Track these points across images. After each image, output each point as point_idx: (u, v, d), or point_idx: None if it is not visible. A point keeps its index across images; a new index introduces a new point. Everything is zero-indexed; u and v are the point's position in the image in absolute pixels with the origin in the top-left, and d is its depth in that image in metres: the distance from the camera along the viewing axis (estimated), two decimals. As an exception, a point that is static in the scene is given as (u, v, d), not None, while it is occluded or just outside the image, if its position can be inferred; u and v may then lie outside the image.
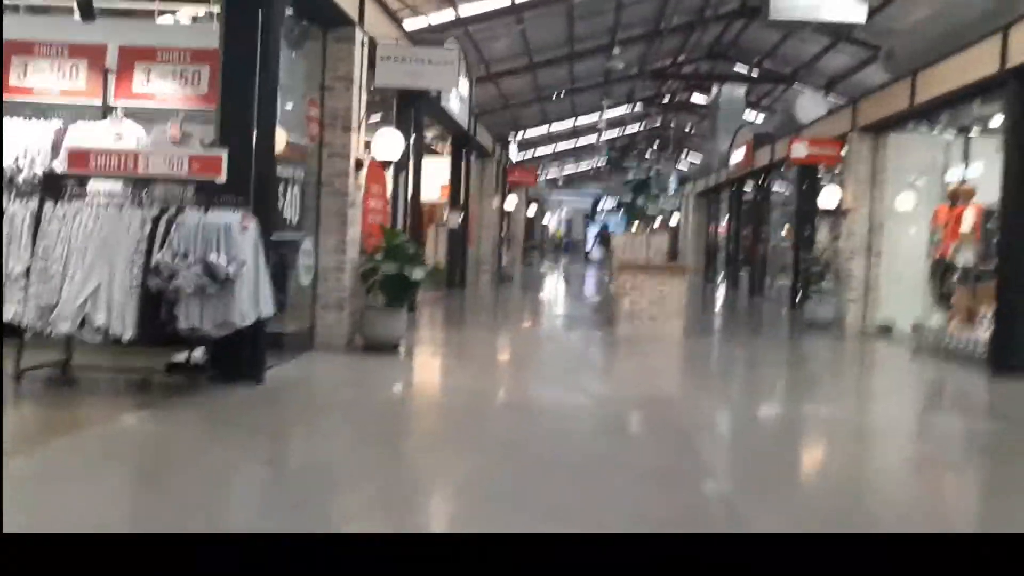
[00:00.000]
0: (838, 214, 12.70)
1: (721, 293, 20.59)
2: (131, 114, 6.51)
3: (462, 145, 15.81)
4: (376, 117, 13.55)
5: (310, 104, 7.17)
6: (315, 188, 7.30)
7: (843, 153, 12.48)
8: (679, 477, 4.31)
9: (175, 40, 6.62)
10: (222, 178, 5.52)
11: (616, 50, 17.56)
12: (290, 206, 6.77)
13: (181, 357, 5.74)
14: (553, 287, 20.97)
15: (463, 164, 15.93)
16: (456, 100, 12.41)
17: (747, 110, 25.66)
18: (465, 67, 12.84)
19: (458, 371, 7.48)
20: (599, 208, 43.53)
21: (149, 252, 5.41)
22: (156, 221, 5.50)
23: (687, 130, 36.57)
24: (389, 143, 7.59)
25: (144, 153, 5.83)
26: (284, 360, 6.65)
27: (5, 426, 3.80)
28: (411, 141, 10.91)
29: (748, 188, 20.58)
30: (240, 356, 5.62)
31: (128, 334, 5.27)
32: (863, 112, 11.89)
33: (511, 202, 23.84)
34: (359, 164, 7.53)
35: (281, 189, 6.57)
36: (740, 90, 24.53)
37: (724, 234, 23.86)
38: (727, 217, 23.44)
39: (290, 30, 7.12)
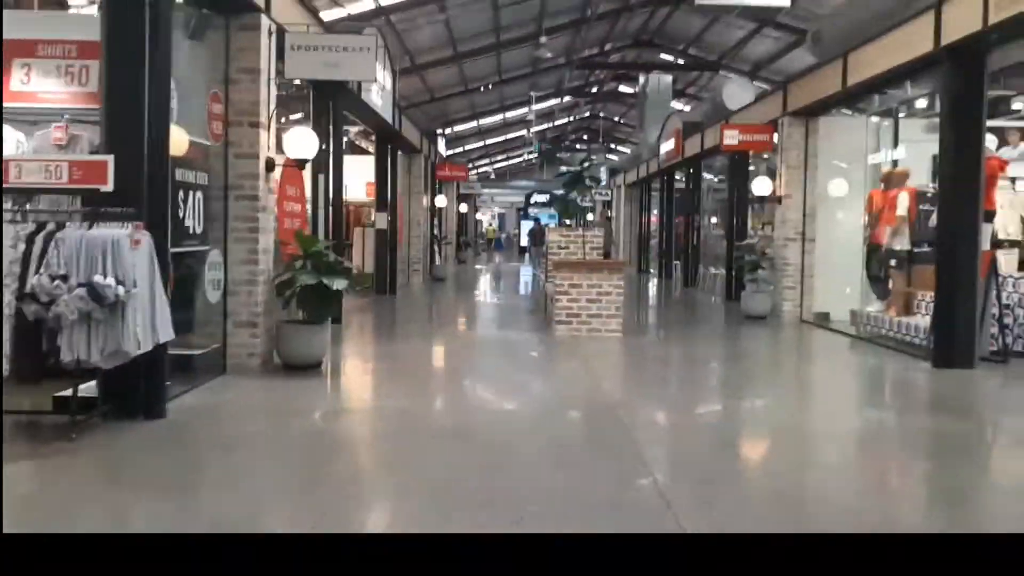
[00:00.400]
0: (771, 201, 12.56)
1: (655, 285, 20.45)
2: (9, 117, 5.77)
3: (388, 141, 15.18)
4: (298, 115, 12.85)
5: (212, 99, 6.50)
6: (221, 193, 6.64)
7: (774, 139, 12.33)
8: (634, 507, 3.88)
9: (59, 32, 5.88)
10: (109, 186, 4.86)
11: (543, 39, 17.17)
12: (192, 214, 6.11)
13: (72, 392, 5.05)
14: (487, 287, 20.44)
15: (389, 161, 15.29)
16: (378, 93, 11.79)
17: (674, 99, 25.71)
18: (387, 57, 12.23)
19: (388, 390, 6.87)
20: (531, 202, 43.27)
21: (24, 275, 4.73)
22: (31, 239, 4.82)
23: (616, 121, 36.62)
24: (303, 141, 6.97)
25: (16, 160, 5.12)
26: (192, 387, 6.01)
27: None
28: (330, 138, 10.29)
29: (679, 177, 20.47)
30: (137, 389, 4.97)
31: (3, 369, 4.60)
32: (793, 96, 11.74)
33: (441, 200, 23.27)
34: (270, 165, 6.89)
35: (181, 196, 5.91)
36: (667, 78, 24.47)
37: (656, 224, 23.75)
38: (658, 208, 23.34)
39: (187, 18, 6.44)
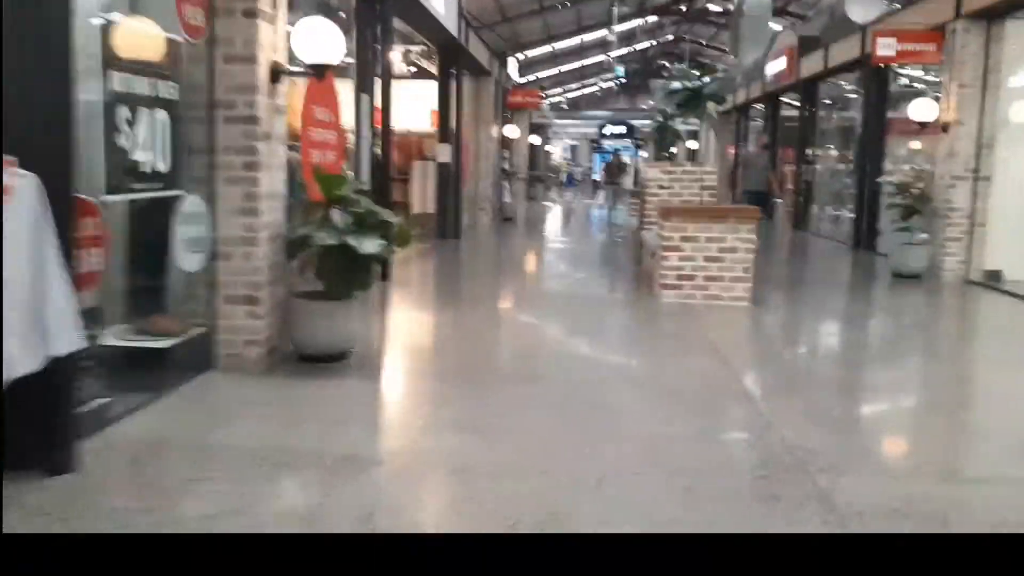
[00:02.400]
0: (929, 129, 9.94)
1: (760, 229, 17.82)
2: None
3: (452, 62, 12.93)
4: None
5: (187, -24, 4.40)
6: (203, 114, 4.62)
7: (942, 49, 9.62)
8: None
9: None
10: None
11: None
12: (150, 144, 4.11)
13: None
14: (564, 230, 18.01)
15: (454, 85, 13.07)
16: (438, -3, 9.55)
17: (775, 17, 22.62)
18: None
19: (448, 406, 4.57)
20: (605, 134, 40.42)
21: None
22: None
23: (704, 44, 33.29)
24: (319, 37, 4.83)
25: None
26: (154, 396, 4.10)
27: None
28: (378, 48, 8.15)
29: (789, 103, 17.69)
30: (28, 430, 3.05)
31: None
32: (973, -7, 9.01)
33: (513, 130, 20.96)
34: (276, 72, 4.81)
35: (126, 115, 3.90)
36: (767, -7, 21.43)
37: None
38: (759, 139, 20.52)
39: None
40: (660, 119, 10.34)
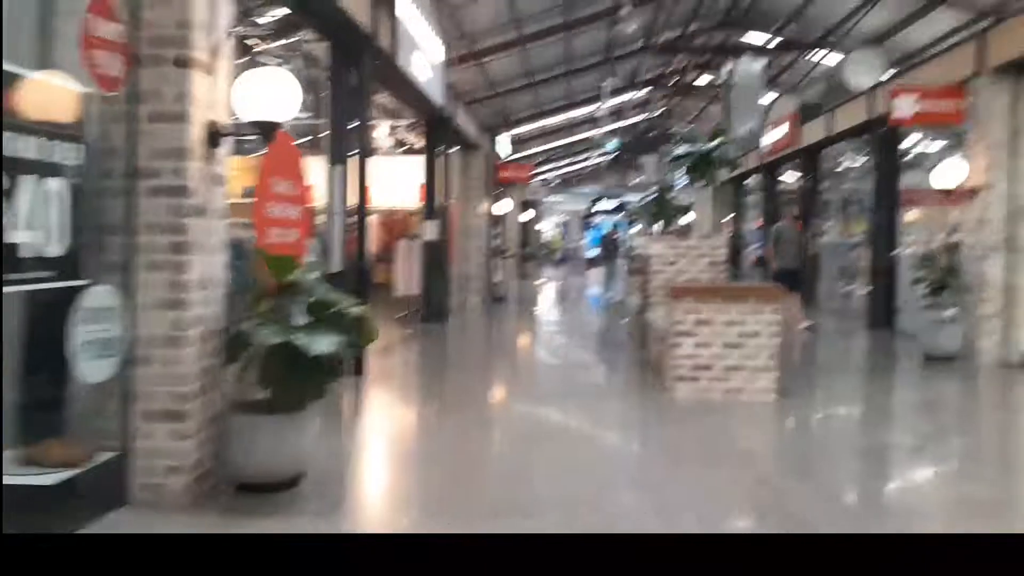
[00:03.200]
0: (952, 198, 9.19)
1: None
2: None
3: (439, 135, 12.27)
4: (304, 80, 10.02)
5: (95, 8, 3.57)
6: (124, 184, 3.74)
7: (964, 107, 8.93)
8: None
9: None
10: None
11: (625, 8, 14.11)
12: (39, 222, 3.21)
13: None
14: (560, 312, 16.92)
15: (440, 159, 12.37)
16: (423, 64, 8.87)
17: (766, 88, 22.38)
18: (431, 20, 9.31)
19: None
20: (596, 210, 40.05)
21: None
22: None
23: (691, 120, 33.28)
24: (267, 90, 4.00)
25: None
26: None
27: None
28: (354, 117, 7.39)
29: (786, 174, 17.12)
30: None
31: None
32: (996, 47, 8.38)
33: (504, 206, 20.33)
34: (214, 134, 3.96)
35: (5, 185, 3.02)
36: (757, 65, 21.00)
37: (753, 231, 20.30)
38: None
39: None
40: (659, 190, 9.59)
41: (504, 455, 5.32)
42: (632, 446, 5.67)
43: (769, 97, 21.79)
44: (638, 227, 38.96)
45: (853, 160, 14.75)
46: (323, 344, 3.73)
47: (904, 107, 8.93)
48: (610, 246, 23.91)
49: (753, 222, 21.22)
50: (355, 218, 7.42)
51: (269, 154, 5.17)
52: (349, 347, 3.91)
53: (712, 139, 7.35)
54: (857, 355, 9.88)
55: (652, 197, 9.97)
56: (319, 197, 7.37)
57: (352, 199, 7.35)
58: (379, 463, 5.13)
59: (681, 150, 7.44)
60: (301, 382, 3.89)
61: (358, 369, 7.24)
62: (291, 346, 3.73)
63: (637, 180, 40.82)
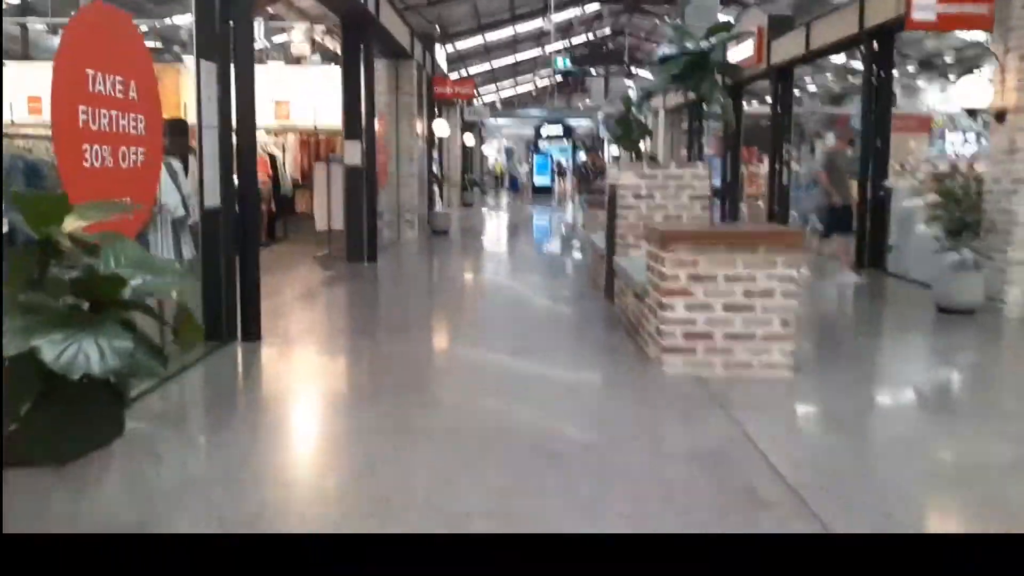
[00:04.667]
0: (976, 116, 7.76)
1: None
2: None
3: (360, 36, 10.29)
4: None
5: None
6: None
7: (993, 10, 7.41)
8: None
9: None
10: None
11: None
12: None
13: None
14: (509, 248, 14.67)
15: (362, 68, 10.42)
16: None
17: (724, 5, 20.58)
18: None
19: None
20: (542, 135, 38.06)
21: None
22: None
23: (643, 37, 31.32)
24: None
25: None
26: None
27: None
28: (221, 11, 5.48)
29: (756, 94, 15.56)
30: None
31: None
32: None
33: (442, 126, 18.38)
34: None
35: None
36: (717, -24, 19.35)
37: (714, 157, 18.78)
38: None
39: None
40: (624, 107, 7.90)
41: (461, 455, 3.68)
42: (616, 457, 4.08)
43: (732, 12, 20.12)
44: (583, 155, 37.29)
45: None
46: (90, 357, 2.03)
47: (925, 8, 7.34)
48: (590, 174, 22.13)
49: (709, 149, 19.72)
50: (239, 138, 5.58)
51: (74, 27, 3.41)
52: (146, 358, 2.21)
53: (709, 37, 5.64)
54: (860, 308, 8.23)
55: (616, 117, 8.27)
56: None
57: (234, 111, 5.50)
58: (216, 524, 3.46)
59: (665, 51, 5.76)
60: (68, 417, 2.21)
61: (246, 332, 5.55)
62: (29, 356, 2.03)
63: (582, 105, 38.91)
